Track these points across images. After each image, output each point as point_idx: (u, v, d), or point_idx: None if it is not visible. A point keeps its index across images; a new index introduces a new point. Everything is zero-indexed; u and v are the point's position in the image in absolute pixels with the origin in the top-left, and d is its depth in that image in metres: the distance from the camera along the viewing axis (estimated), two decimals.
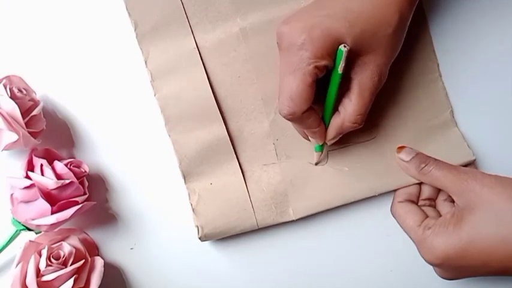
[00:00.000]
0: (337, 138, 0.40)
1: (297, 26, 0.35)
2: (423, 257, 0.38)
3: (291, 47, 0.35)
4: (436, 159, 0.40)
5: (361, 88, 0.37)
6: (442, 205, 0.41)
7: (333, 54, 0.35)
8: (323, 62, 0.35)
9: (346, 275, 0.44)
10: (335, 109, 0.39)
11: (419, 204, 0.42)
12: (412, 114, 0.43)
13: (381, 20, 0.36)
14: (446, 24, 0.43)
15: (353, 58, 0.36)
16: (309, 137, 0.40)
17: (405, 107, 0.43)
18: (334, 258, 0.44)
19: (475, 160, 0.42)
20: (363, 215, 0.44)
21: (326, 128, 0.40)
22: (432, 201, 0.42)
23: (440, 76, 0.43)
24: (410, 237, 0.40)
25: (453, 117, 0.43)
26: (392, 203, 0.42)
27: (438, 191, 0.41)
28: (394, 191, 0.42)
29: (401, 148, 0.42)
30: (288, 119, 0.37)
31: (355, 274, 0.44)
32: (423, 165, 0.40)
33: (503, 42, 0.44)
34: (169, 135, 0.42)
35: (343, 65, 0.35)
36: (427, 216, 0.40)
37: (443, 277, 0.39)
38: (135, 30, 0.41)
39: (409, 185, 0.41)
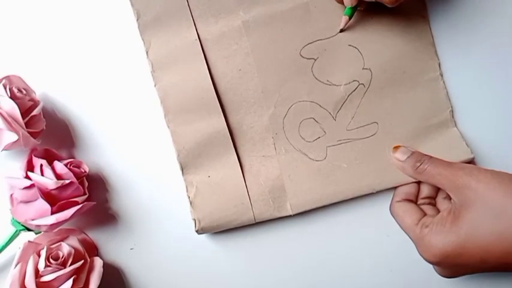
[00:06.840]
0: None
1: None
2: (422, 256, 0.38)
3: None
4: (431, 157, 0.40)
5: None
6: (442, 203, 0.41)
7: None
8: None
9: (345, 275, 0.44)
10: None
11: (418, 203, 0.41)
12: (412, 112, 0.43)
13: None
14: (447, 23, 0.43)
15: None
16: None
17: (405, 105, 0.43)
18: (333, 258, 0.44)
19: (473, 158, 0.42)
20: (363, 215, 0.44)
21: None
22: (432, 200, 0.41)
23: (441, 75, 0.43)
24: (408, 236, 0.40)
25: (452, 116, 0.43)
26: (391, 202, 0.42)
27: (438, 189, 0.41)
28: (394, 189, 0.42)
29: (396, 148, 0.42)
30: None
31: (354, 274, 0.44)
32: (418, 164, 0.40)
33: (504, 41, 0.44)
34: (169, 127, 0.42)
35: None
36: (425, 215, 0.40)
37: (443, 275, 0.39)
38: (137, 20, 0.41)
39: (407, 183, 0.41)
